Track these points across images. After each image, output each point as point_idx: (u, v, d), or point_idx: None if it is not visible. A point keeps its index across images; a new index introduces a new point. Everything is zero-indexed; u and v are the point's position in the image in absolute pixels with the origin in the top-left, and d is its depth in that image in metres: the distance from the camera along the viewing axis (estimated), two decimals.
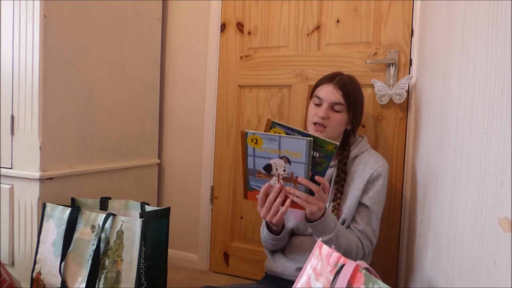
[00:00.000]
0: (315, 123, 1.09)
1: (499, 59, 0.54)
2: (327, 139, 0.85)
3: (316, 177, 0.89)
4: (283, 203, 0.91)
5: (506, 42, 0.52)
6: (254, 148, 0.88)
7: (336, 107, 1.08)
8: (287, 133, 0.87)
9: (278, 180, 0.91)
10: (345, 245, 0.99)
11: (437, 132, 0.94)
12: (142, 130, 1.78)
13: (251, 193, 0.96)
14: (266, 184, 0.92)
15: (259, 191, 0.93)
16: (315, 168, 0.88)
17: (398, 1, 1.43)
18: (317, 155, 0.86)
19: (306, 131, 0.87)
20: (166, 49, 1.89)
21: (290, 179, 0.89)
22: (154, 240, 1.19)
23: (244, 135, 0.87)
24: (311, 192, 0.90)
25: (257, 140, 0.86)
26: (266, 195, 0.92)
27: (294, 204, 0.92)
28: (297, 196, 0.89)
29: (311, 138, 0.81)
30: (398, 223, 1.45)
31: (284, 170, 0.88)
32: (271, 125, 0.89)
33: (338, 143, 0.85)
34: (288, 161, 0.86)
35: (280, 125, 0.88)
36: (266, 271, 1.19)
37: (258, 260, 1.68)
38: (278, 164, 0.88)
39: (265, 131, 0.90)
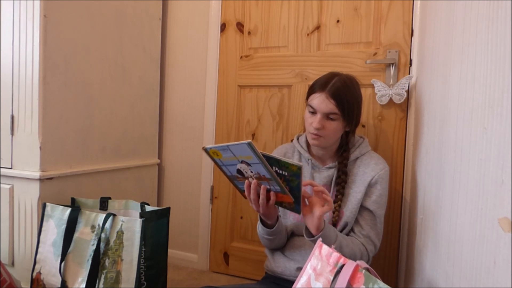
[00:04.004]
0: (311, 133, 1.08)
1: (499, 59, 0.54)
2: (288, 161, 0.86)
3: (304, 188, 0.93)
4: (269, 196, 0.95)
5: (506, 42, 0.52)
6: (220, 159, 0.93)
7: (331, 116, 1.06)
8: (222, 149, 0.89)
9: (254, 180, 0.94)
10: (349, 254, 0.99)
11: (437, 132, 0.94)
12: (142, 130, 1.78)
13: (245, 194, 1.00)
14: (246, 182, 0.96)
15: None
16: (290, 184, 0.90)
17: (398, 1, 1.43)
18: (286, 174, 0.89)
19: (242, 141, 0.87)
20: (166, 49, 1.89)
21: (261, 178, 0.92)
22: (154, 240, 1.19)
23: (206, 151, 0.92)
24: (296, 197, 0.93)
25: (217, 152, 0.91)
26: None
27: (279, 197, 0.95)
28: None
29: (249, 141, 0.84)
30: (398, 223, 1.45)
31: (252, 172, 0.91)
32: (206, 151, 0.92)
33: (301, 164, 0.86)
34: (247, 164, 0.89)
35: (214, 147, 0.90)
36: (266, 271, 1.19)
37: (258, 260, 1.68)
38: (243, 168, 0.92)
39: (211, 158, 0.94)
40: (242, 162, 0.89)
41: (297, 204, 0.93)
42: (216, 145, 0.89)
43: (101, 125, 1.53)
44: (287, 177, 0.89)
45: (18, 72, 1.29)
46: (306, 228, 0.97)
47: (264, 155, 0.87)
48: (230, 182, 1.00)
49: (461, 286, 0.66)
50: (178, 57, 1.87)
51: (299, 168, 0.85)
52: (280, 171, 0.89)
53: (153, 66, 1.82)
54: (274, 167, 0.89)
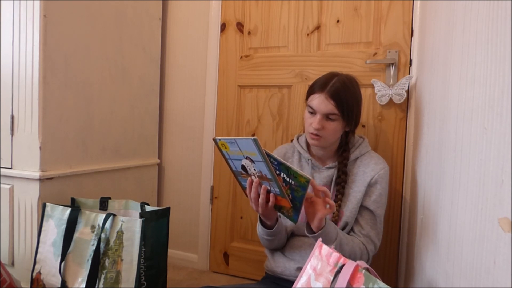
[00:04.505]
0: (311, 133, 1.08)
1: (499, 59, 0.54)
2: (298, 171, 0.85)
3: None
4: (268, 196, 0.95)
5: (506, 42, 0.52)
6: (227, 152, 0.93)
7: (330, 116, 1.05)
8: (230, 142, 0.90)
9: (256, 178, 0.94)
10: (349, 252, 0.99)
11: (437, 132, 0.94)
12: (142, 130, 1.78)
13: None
14: (249, 179, 0.95)
15: None
16: (293, 193, 0.90)
17: (398, 1, 1.43)
18: (292, 183, 0.88)
19: (248, 137, 0.88)
20: (166, 49, 1.89)
21: (262, 177, 0.92)
22: (154, 240, 1.19)
23: (215, 142, 0.93)
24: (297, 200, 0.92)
25: (225, 145, 0.91)
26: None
27: (278, 200, 0.95)
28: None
29: (255, 137, 0.84)
30: (398, 223, 1.45)
31: (255, 170, 0.91)
32: (216, 142, 0.93)
33: (310, 178, 0.85)
34: (252, 161, 0.89)
35: (223, 139, 0.91)
36: (266, 271, 1.19)
37: (258, 260, 1.68)
38: (247, 164, 0.92)
39: (219, 149, 0.95)
40: (247, 158, 0.90)
41: (295, 213, 0.93)
42: (225, 137, 0.90)
43: (101, 125, 1.53)
44: (293, 186, 0.88)
45: (18, 72, 1.29)
46: (308, 225, 0.97)
47: (274, 159, 0.87)
48: (234, 178, 1.00)
49: (461, 286, 0.66)
50: (178, 57, 1.87)
51: (307, 181, 0.84)
52: (288, 179, 0.88)
53: (153, 66, 1.82)
54: (282, 173, 0.88)
